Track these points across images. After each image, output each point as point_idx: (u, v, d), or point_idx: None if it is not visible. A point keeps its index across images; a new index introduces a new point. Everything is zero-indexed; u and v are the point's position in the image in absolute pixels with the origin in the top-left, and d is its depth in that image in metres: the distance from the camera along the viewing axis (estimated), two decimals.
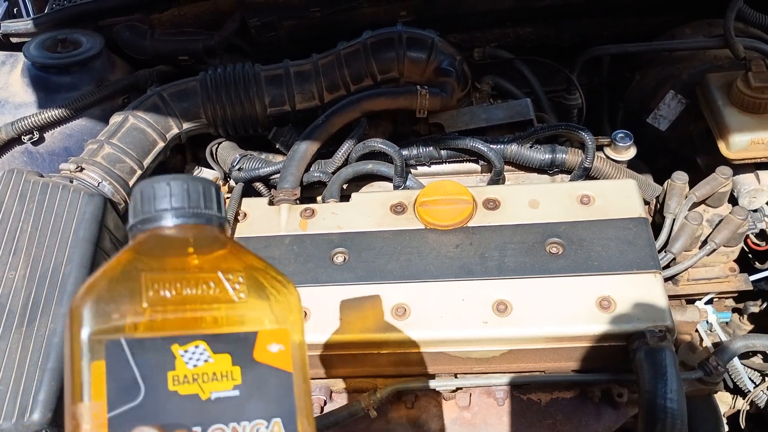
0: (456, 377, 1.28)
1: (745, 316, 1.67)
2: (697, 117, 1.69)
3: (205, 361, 0.60)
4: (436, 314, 1.20)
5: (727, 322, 1.61)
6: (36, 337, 1.16)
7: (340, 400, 1.29)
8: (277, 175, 1.53)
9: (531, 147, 1.53)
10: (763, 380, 1.55)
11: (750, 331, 1.66)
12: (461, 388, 1.28)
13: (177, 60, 1.83)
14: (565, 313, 1.18)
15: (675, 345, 1.24)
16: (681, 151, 1.76)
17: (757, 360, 1.59)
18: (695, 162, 1.67)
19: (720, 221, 1.44)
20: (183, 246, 0.64)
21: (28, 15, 2.32)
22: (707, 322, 1.53)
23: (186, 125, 1.60)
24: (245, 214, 1.39)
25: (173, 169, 1.72)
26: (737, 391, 1.61)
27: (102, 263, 1.28)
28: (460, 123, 1.64)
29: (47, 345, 1.14)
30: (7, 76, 1.75)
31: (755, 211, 1.56)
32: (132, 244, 0.65)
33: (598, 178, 1.52)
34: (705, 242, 1.43)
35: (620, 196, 1.32)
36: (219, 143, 1.67)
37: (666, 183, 1.46)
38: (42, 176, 1.38)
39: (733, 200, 1.55)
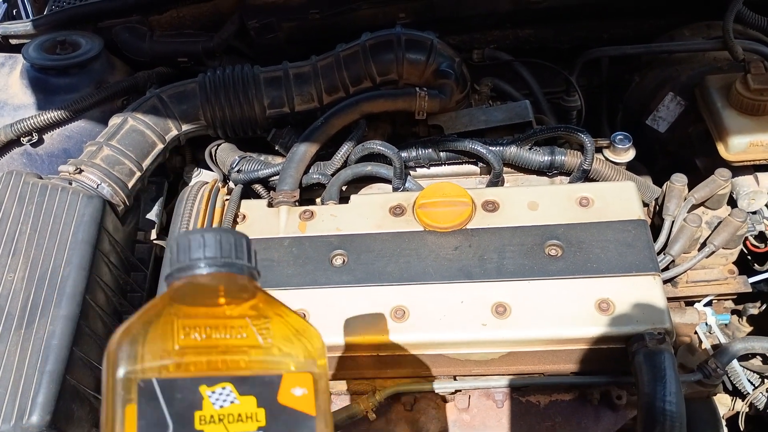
0: (455, 379, 1.28)
1: (744, 318, 1.67)
2: (696, 119, 1.69)
3: (231, 402, 0.64)
4: (435, 316, 1.20)
5: (726, 324, 1.61)
6: (35, 339, 1.15)
7: (340, 402, 1.29)
8: (276, 177, 1.53)
9: (530, 149, 1.53)
10: (762, 382, 1.55)
11: (749, 333, 1.66)
12: (460, 390, 1.28)
13: (176, 62, 1.83)
14: (564, 316, 1.18)
15: (674, 347, 1.24)
16: (680, 153, 1.76)
17: (756, 362, 1.59)
18: (694, 164, 1.67)
19: (719, 223, 1.44)
20: (214, 293, 0.69)
21: (27, 16, 2.32)
22: (706, 324, 1.52)
23: (185, 127, 1.59)
24: (244, 216, 1.39)
25: (172, 171, 1.72)
26: (736, 393, 1.60)
27: (101, 265, 1.29)
28: (459, 125, 1.63)
29: (46, 347, 1.14)
30: (6, 78, 1.74)
31: (754, 213, 1.56)
32: (168, 291, 0.70)
33: (597, 180, 1.52)
34: (704, 244, 1.43)
35: (619, 198, 1.32)
36: (218, 145, 1.66)
37: (665, 185, 1.46)
38: (41, 178, 1.38)
39: (732, 202, 1.55)
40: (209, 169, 1.68)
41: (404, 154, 1.54)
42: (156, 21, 1.88)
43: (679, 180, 1.44)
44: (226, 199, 1.41)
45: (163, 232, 1.55)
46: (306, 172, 1.53)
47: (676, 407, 1.06)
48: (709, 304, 1.52)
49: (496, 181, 1.53)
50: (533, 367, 1.25)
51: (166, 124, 1.57)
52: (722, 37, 1.71)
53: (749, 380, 1.56)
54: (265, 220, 1.38)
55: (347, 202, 1.40)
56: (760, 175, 1.57)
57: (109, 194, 1.41)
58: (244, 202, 1.43)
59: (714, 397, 1.47)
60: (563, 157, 1.51)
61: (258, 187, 1.59)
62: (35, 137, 1.62)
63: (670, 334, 1.15)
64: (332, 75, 1.62)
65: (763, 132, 1.51)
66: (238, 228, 1.37)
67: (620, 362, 1.17)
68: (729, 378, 1.57)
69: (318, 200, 1.54)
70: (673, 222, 1.42)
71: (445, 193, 1.34)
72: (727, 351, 1.31)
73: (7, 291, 1.21)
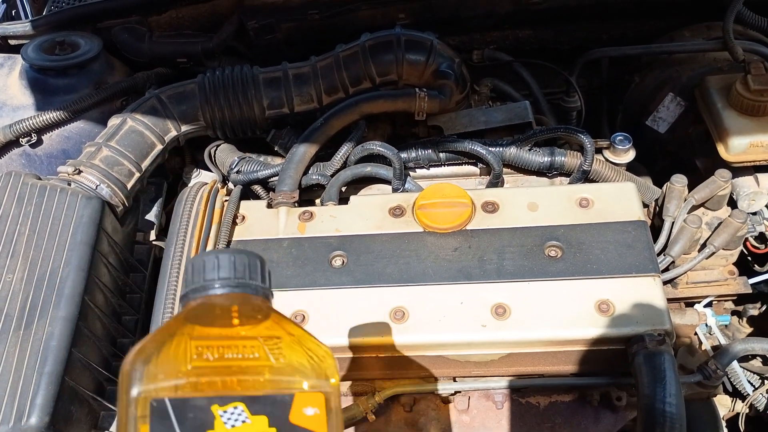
0: (455, 380, 1.28)
1: (745, 319, 1.67)
2: (696, 120, 1.69)
3: (243, 421, 0.64)
4: (435, 318, 1.20)
5: (726, 325, 1.61)
6: (33, 340, 1.15)
7: None
8: (276, 178, 1.53)
9: (530, 150, 1.53)
10: (763, 383, 1.55)
11: (749, 334, 1.66)
12: (460, 392, 1.28)
13: (175, 62, 1.83)
14: (564, 317, 1.18)
15: (674, 348, 1.24)
16: (680, 154, 1.76)
17: (757, 363, 1.58)
18: (694, 165, 1.67)
19: (719, 224, 1.44)
20: (228, 313, 0.70)
21: (26, 17, 2.32)
22: (706, 325, 1.52)
23: (184, 128, 1.59)
24: (243, 217, 1.39)
25: (172, 172, 1.72)
26: (736, 394, 1.60)
27: (100, 266, 1.28)
28: (459, 125, 1.63)
29: (44, 348, 1.14)
30: (5, 79, 1.74)
31: (754, 214, 1.56)
32: (182, 311, 0.71)
33: (597, 181, 1.51)
34: (704, 245, 1.42)
35: (619, 199, 1.32)
36: (217, 146, 1.66)
37: (665, 186, 1.46)
38: (40, 179, 1.38)
39: (732, 203, 1.55)
40: (208, 169, 1.68)
41: (404, 155, 1.54)
42: (155, 21, 1.88)
43: (679, 181, 1.44)
44: (226, 200, 1.41)
45: (162, 233, 1.55)
46: (305, 172, 1.53)
47: (676, 409, 1.06)
48: (709, 305, 1.52)
49: (496, 182, 1.53)
50: (533, 369, 1.25)
51: (166, 124, 1.56)
52: (722, 37, 1.71)
53: (749, 381, 1.56)
54: (264, 221, 1.38)
55: (347, 203, 1.40)
56: (760, 176, 1.57)
57: (108, 195, 1.40)
58: (243, 202, 1.42)
59: (714, 398, 1.47)
60: (563, 158, 1.51)
61: (257, 188, 1.59)
62: (34, 138, 1.61)
63: (670, 336, 1.15)
64: (332, 76, 1.62)
65: (763, 133, 1.51)
66: (237, 229, 1.37)
67: (620, 363, 1.17)
68: (729, 379, 1.57)
69: (317, 201, 1.54)
70: (673, 223, 1.42)
71: (444, 194, 1.33)
72: (727, 352, 1.31)
73: (5, 292, 1.21)
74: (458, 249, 1.28)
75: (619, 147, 1.55)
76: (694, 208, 1.46)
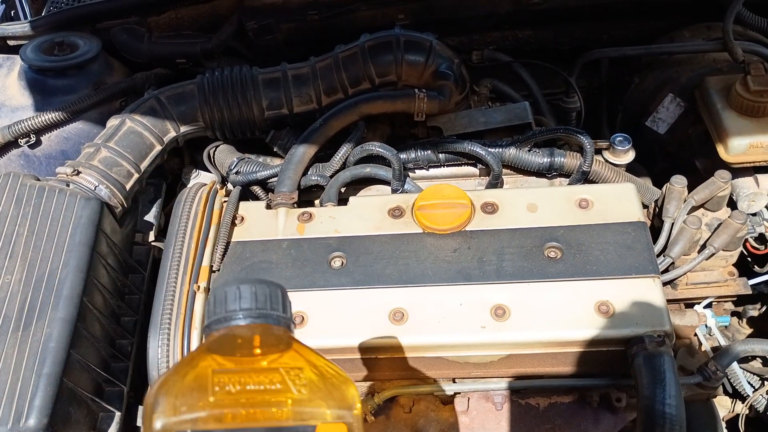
0: (454, 382, 1.28)
1: (744, 320, 1.66)
2: (696, 120, 1.69)
3: None
4: (434, 319, 1.20)
5: (726, 326, 1.60)
6: (32, 341, 1.15)
7: None
8: (275, 179, 1.53)
9: (529, 150, 1.53)
10: (763, 384, 1.55)
11: (749, 335, 1.66)
12: (459, 393, 1.28)
13: (174, 63, 1.83)
14: (564, 318, 1.17)
15: (674, 349, 1.24)
16: (680, 155, 1.75)
17: (756, 364, 1.58)
18: (694, 165, 1.67)
19: (719, 225, 1.44)
20: (250, 344, 0.71)
21: (25, 17, 2.32)
22: (706, 326, 1.52)
23: (183, 128, 1.59)
24: (242, 218, 1.39)
25: (171, 172, 1.72)
26: (736, 395, 1.60)
27: (98, 267, 1.28)
28: (458, 126, 1.63)
29: (43, 349, 1.14)
30: (3, 79, 1.74)
31: (754, 214, 1.56)
32: (205, 342, 0.72)
33: (597, 182, 1.51)
34: (704, 246, 1.42)
35: (619, 199, 1.32)
36: (216, 146, 1.66)
37: (665, 187, 1.46)
38: (38, 180, 1.38)
39: (732, 204, 1.55)
40: (207, 170, 1.68)
41: (403, 156, 1.54)
42: (154, 22, 1.87)
43: (678, 182, 1.44)
44: (225, 201, 1.41)
45: (162, 234, 1.55)
46: (305, 173, 1.52)
47: (675, 410, 1.06)
48: (708, 306, 1.52)
49: (496, 183, 1.52)
50: (533, 370, 1.24)
51: (165, 125, 1.56)
52: (722, 38, 1.71)
53: (749, 382, 1.56)
54: (263, 222, 1.38)
55: (346, 204, 1.39)
56: (760, 176, 1.56)
57: (106, 196, 1.40)
58: (242, 203, 1.42)
59: (714, 400, 1.47)
60: (562, 159, 1.51)
61: (256, 189, 1.58)
62: (33, 139, 1.61)
63: (670, 337, 1.15)
64: (331, 76, 1.62)
65: (763, 133, 1.51)
66: (236, 230, 1.36)
67: (620, 365, 1.17)
68: (729, 380, 1.57)
69: (317, 202, 1.54)
70: (672, 224, 1.42)
71: (444, 194, 1.33)
72: (727, 353, 1.31)
73: (4, 293, 1.21)
74: (457, 250, 1.27)
75: (619, 148, 1.55)
76: (694, 209, 1.46)
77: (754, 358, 1.57)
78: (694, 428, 1.41)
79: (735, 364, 1.54)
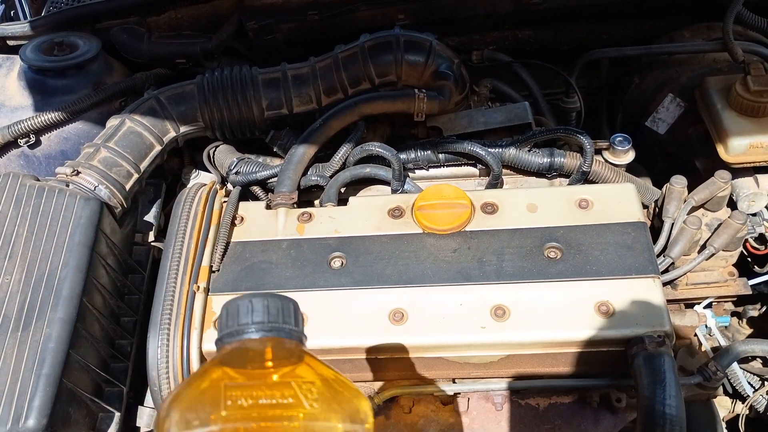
0: (454, 382, 1.27)
1: (744, 320, 1.66)
2: (695, 120, 1.69)
3: None
4: (434, 319, 1.19)
5: (726, 326, 1.60)
6: (31, 342, 1.15)
7: None
8: (275, 179, 1.53)
9: (529, 150, 1.53)
10: (763, 385, 1.55)
11: (749, 335, 1.66)
12: (459, 393, 1.28)
13: (174, 63, 1.82)
14: (564, 318, 1.17)
15: (674, 349, 1.24)
16: (680, 155, 1.75)
17: (756, 364, 1.58)
18: (694, 166, 1.67)
19: (719, 225, 1.44)
20: (262, 357, 0.71)
21: (25, 17, 2.32)
22: (706, 326, 1.52)
23: (183, 128, 1.59)
24: (242, 219, 1.39)
25: (170, 173, 1.71)
26: (736, 395, 1.60)
27: (98, 268, 1.28)
28: (458, 126, 1.63)
29: (42, 350, 1.14)
30: (3, 79, 1.74)
31: (754, 215, 1.56)
32: (217, 356, 0.72)
33: (597, 182, 1.51)
34: (704, 246, 1.42)
35: (619, 200, 1.32)
36: (216, 146, 1.66)
37: (665, 187, 1.46)
38: (38, 180, 1.38)
39: (732, 204, 1.55)
40: (207, 170, 1.68)
41: (403, 156, 1.53)
42: (154, 22, 1.87)
43: (678, 182, 1.43)
44: (224, 201, 1.40)
45: (161, 234, 1.55)
46: (304, 173, 1.52)
47: (675, 410, 1.06)
48: (708, 306, 1.52)
49: (495, 183, 1.52)
50: (533, 370, 1.24)
51: (164, 125, 1.56)
52: (722, 38, 1.71)
53: (749, 383, 1.55)
54: (263, 222, 1.37)
55: (346, 204, 1.39)
56: (760, 177, 1.56)
57: (106, 196, 1.40)
58: (242, 204, 1.42)
59: (714, 400, 1.47)
60: (562, 159, 1.51)
61: (256, 189, 1.58)
62: (32, 139, 1.61)
63: (670, 337, 1.15)
64: (331, 76, 1.62)
65: (763, 134, 1.51)
66: (236, 231, 1.36)
67: (620, 365, 1.17)
68: (729, 380, 1.57)
69: (316, 202, 1.53)
70: (672, 224, 1.42)
71: (443, 195, 1.33)
72: (727, 353, 1.31)
73: (3, 293, 1.21)
74: (457, 250, 1.27)
75: (619, 148, 1.55)
76: (694, 209, 1.46)
77: (754, 358, 1.57)
78: (694, 429, 1.41)
79: (735, 365, 1.54)
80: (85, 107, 1.63)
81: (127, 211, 1.47)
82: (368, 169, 1.51)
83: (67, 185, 1.38)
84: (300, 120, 1.63)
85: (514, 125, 1.63)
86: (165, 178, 1.67)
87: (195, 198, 1.38)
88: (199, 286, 1.26)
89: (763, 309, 1.65)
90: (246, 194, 1.57)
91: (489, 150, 1.50)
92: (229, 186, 1.60)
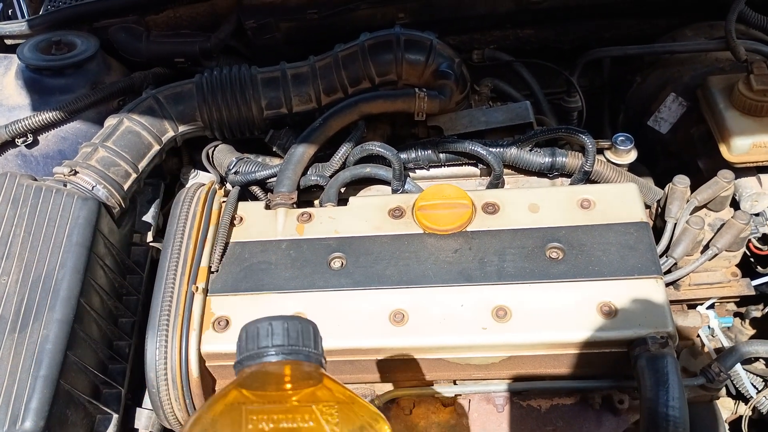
0: (455, 383, 1.27)
1: (747, 321, 1.65)
2: (698, 120, 1.68)
3: None
4: (435, 320, 1.19)
5: (728, 327, 1.60)
6: (28, 343, 1.14)
7: None
8: (274, 179, 1.52)
9: (531, 150, 1.52)
10: (766, 386, 1.54)
11: (752, 336, 1.65)
12: (460, 395, 1.27)
13: (173, 62, 1.81)
14: (565, 319, 1.17)
15: (676, 350, 1.23)
16: (682, 155, 1.75)
17: (760, 365, 1.57)
18: (697, 165, 1.66)
19: (722, 225, 1.43)
20: (281, 381, 0.72)
21: (22, 16, 2.31)
22: (709, 327, 1.51)
23: (182, 128, 1.58)
24: (241, 219, 1.38)
25: (169, 172, 1.71)
26: (739, 396, 1.59)
27: (96, 268, 1.27)
28: (459, 126, 1.62)
29: (40, 351, 1.13)
30: (0, 78, 1.73)
31: (757, 215, 1.55)
32: (237, 379, 0.72)
33: (599, 182, 1.50)
34: (707, 247, 1.42)
35: (621, 200, 1.31)
36: (215, 146, 1.65)
37: (667, 187, 1.45)
38: (35, 180, 1.37)
39: (735, 204, 1.54)
40: (206, 170, 1.67)
41: (403, 156, 1.53)
42: (153, 21, 1.86)
43: (681, 182, 1.43)
44: (223, 201, 1.40)
45: (160, 235, 1.54)
46: (304, 173, 1.52)
47: (679, 412, 1.05)
48: (711, 306, 1.51)
49: (497, 183, 1.51)
50: (534, 371, 1.23)
51: (163, 125, 1.55)
52: (724, 37, 1.70)
53: (752, 384, 1.55)
54: (262, 223, 1.37)
55: (346, 204, 1.39)
56: (763, 176, 1.56)
57: (104, 196, 1.39)
58: (241, 204, 1.41)
59: (717, 401, 1.46)
60: (564, 159, 1.50)
61: (255, 189, 1.57)
62: (30, 138, 1.60)
63: (673, 338, 1.14)
64: (330, 75, 1.61)
65: (766, 133, 1.50)
66: (235, 231, 1.35)
67: (622, 366, 1.16)
68: (732, 381, 1.56)
69: (316, 202, 1.53)
70: (675, 224, 1.41)
71: (444, 195, 1.32)
72: (730, 355, 1.30)
73: (0, 294, 1.20)
74: (458, 251, 1.27)
75: (621, 147, 1.54)
76: (697, 209, 1.45)
77: (757, 359, 1.56)
78: (696, 430, 1.40)
79: (738, 366, 1.53)
80: (82, 106, 1.62)
81: (126, 211, 1.46)
82: (368, 169, 1.51)
83: (65, 185, 1.37)
84: (299, 119, 1.62)
85: (516, 125, 1.62)
86: (163, 178, 1.66)
87: (194, 198, 1.38)
88: (197, 287, 1.25)
89: (766, 309, 1.64)
90: (245, 194, 1.56)
91: (490, 149, 1.50)
92: (228, 186, 1.59)
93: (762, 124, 1.51)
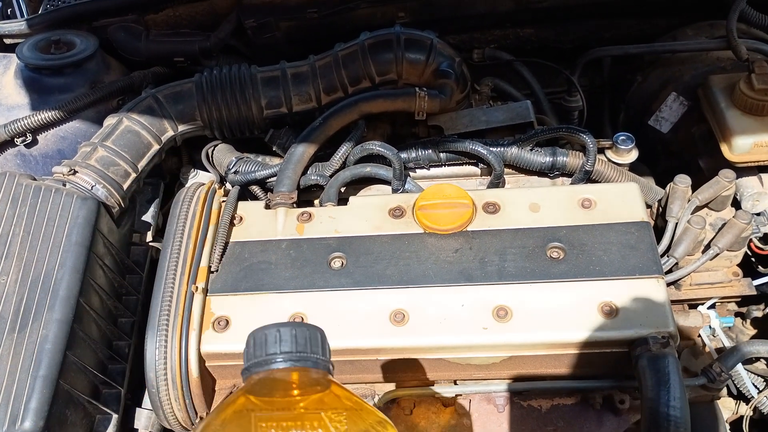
0: (455, 383, 1.26)
1: (748, 321, 1.65)
2: (699, 119, 1.68)
3: None
4: (436, 320, 1.18)
5: (730, 327, 1.59)
6: (28, 343, 1.14)
7: None
8: (274, 179, 1.52)
9: (531, 150, 1.52)
10: (767, 386, 1.54)
11: (753, 336, 1.65)
12: (461, 395, 1.27)
13: (172, 61, 1.81)
14: (566, 319, 1.16)
15: (677, 350, 1.23)
16: (683, 154, 1.75)
17: (761, 365, 1.57)
18: (698, 165, 1.66)
19: (723, 225, 1.43)
20: (289, 387, 0.72)
21: (21, 16, 2.30)
22: (710, 326, 1.51)
23: (181, 127, 1.58)
24: (241, 218, 1.37)
25: (168, 172, 1.70)
26: (740, 396, 1.59)
27: (95, 268, 1.27)
28: (460, 125, 1.62)
29: (39, 351, 1.13)
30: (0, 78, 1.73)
31: (758, 214, 1.55)
32: (245, 386, 0.73)
33: (600, 181, 1.50)
34: (708, 246, 1.41)
35: (622, 199, 1.31)
36: (215, 146, 1.65)
37: (668, 186, 1.45)
38: (35, 179, 1.37)
39: (737, 204, 1.54)
40: (206, 170, 1.67)
41: (404, 155, 1.53)
42: (152, 20, 1.86)
43: (682, 181, 1.42)
44: (223, 201, 1.39)
45: (159, 234, 1.54)
46: (304, 173, 1.51)
47: (680, 412, 1.05)
48: (712, 306, 1.51)
49: (497, 183, 1.51)
50: (535, 371, 1.23)
51: (162, 124, 1.55)
52: (726, 36, 1.70)
53: (753, 384, 1.54)
54: (262, 222, 1.36)
55: (346, 204, 1.38)
56: (764, 176, 1.56)
57: (103, 196, 1.39)
58: (241, 203, 1.41)
59: (718, 401, 1.46)
60: (565, 158, 1.50)
61: (255, 189, 1.57)
62: (29, 138, 1.60)
63: (674, 338, 1.14)
64: (330, 75, 1.61)
65: (767, 132, 1.50)
66: (235, 231, 1.35)
67: (623, 366, 1.16)
68: (733, 381, 1.56)
69: (316, 202, 1.52)
70: (676, 224, 1.40)
71: (445, 194, 1.32)
72: (731, 355, 1.30)
73: None
74: (459, 250, 1.26)
75: (622, 147, 1.54)
76: (698, 208, 1.44)
77: (758, 359, 1.55)
78: (697, 430, 1.40)
79: (739, 366, 1.52)
80: (82, 106, 1.62)
81: (125, 210, 1.46)
82: (369, 169, 1.50)
83: (64, 185, 1.37)
84: (299, 119, 1.62)
85: (516, 124, 1.62)
86: (163, 178, 1.66)
87: (193, 197, 1.37)
88: (197, 287, 1.25)
89: (767, 309, 1.64)
90: (245, 194, 1.56)
91: (491, 149, 1.49)
92: (228, 185, 1.59)
93: (763, 123, 1.51)
